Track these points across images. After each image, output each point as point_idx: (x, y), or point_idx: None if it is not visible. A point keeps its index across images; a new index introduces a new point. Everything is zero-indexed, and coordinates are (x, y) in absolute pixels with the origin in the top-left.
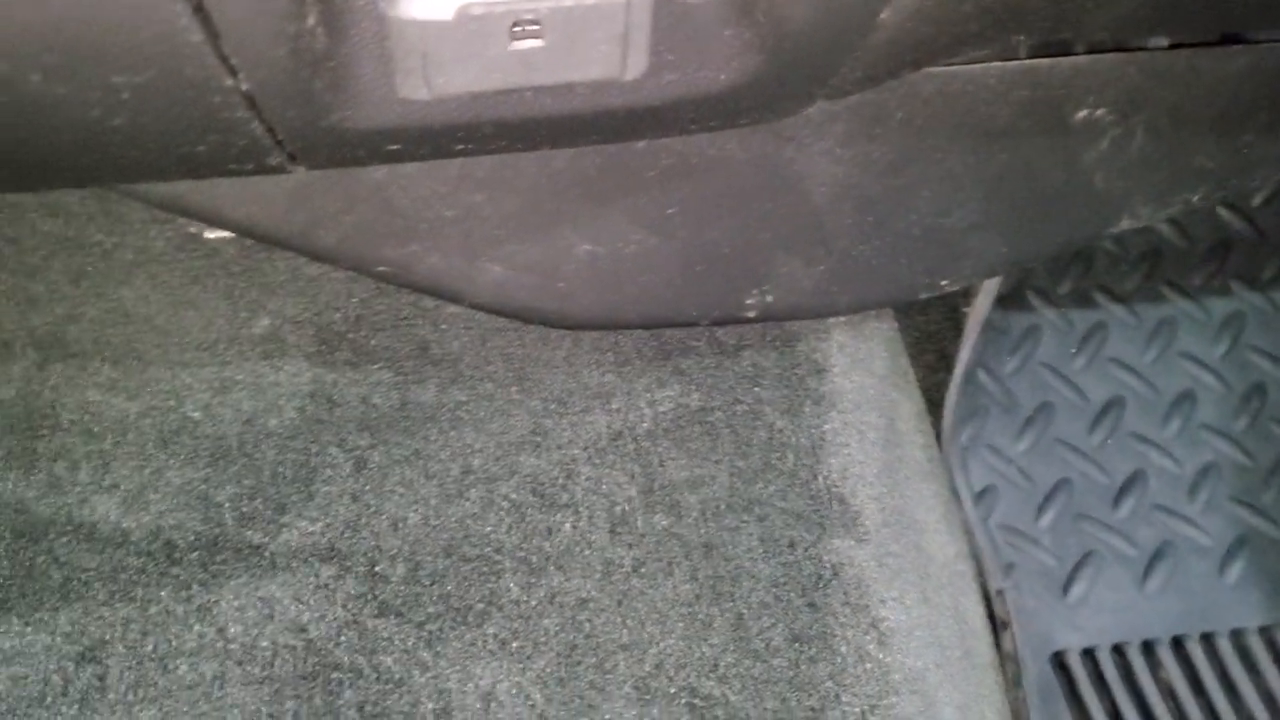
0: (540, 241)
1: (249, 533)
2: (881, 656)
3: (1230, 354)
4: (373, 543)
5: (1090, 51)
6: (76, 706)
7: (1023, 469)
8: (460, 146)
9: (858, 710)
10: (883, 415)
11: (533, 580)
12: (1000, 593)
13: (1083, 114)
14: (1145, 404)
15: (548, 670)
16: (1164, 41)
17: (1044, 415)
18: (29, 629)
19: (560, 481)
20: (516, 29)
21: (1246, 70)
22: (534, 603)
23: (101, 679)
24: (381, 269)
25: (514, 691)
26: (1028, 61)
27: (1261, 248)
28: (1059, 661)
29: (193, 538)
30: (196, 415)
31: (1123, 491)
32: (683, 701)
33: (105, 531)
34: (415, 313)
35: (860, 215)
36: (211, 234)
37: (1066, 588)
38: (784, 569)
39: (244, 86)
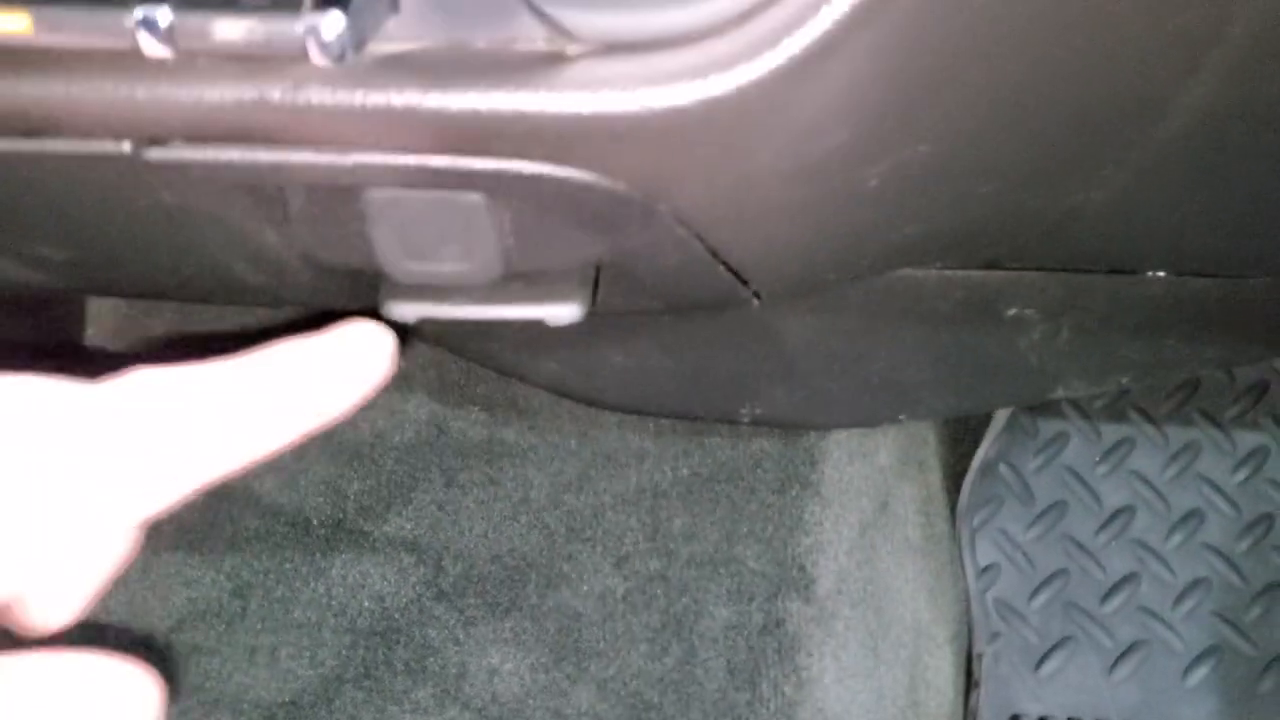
0: (585, 350)
1: (362, 521)
2: (793, 695)
3: (1247, 483)
4: (445, 543)
5: (1017, 268)
6: (224, 625)
7: (1027, 554)
8: None
9: None
10: (872, 500)
11: (547, 592)
12: (979, 656)
13: (1013, 311)
14: (1155, 515)
15: (539, 661)
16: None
17: (1057, 511)
18: (205, 564)
19: (589, 519)
20: None
21: (1163, 295)
22: (545, 609)
23: (244, 609)
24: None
25: (512, 671)
26: (962, 271)
27: None
28: None
29: (324, 516)
30: (342, 426)
31: (1114, 589)
32: (629, 703)
33: (266, 503)
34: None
35: (828, 364)
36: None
37: (1040, 663)
38: (738, 615)
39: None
